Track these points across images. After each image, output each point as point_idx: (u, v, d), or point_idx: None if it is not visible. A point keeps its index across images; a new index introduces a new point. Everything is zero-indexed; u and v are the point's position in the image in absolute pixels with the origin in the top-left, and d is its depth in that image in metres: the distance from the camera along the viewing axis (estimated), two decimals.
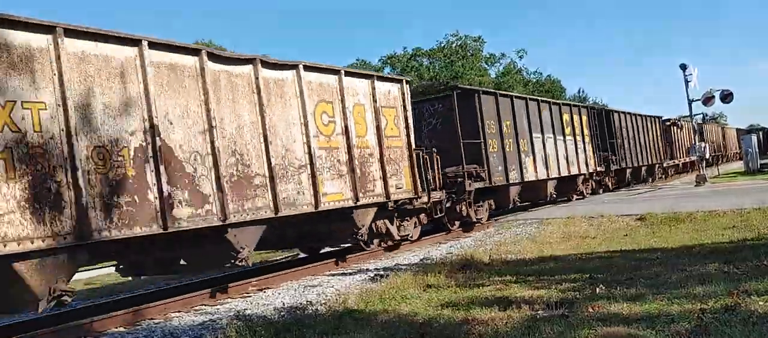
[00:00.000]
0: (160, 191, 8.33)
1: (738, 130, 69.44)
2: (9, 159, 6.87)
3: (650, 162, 32.48)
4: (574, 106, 25.08)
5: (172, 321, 8.50)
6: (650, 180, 32.71)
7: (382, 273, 10.65)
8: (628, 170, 29.32)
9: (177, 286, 12.21)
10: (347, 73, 12.21)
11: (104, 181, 7.78)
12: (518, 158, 19.08)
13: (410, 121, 13.74)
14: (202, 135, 9.11)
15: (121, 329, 8.34)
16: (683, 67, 27.23)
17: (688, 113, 28.89)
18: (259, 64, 10.23)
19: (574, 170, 23.21)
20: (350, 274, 11.22)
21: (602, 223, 15.06)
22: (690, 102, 27.67)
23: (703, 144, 29.33)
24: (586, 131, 24.78)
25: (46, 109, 7.31)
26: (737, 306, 5.78)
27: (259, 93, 10.16)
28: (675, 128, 38.40)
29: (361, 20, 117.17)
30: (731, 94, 27.98)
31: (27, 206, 6.97)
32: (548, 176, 20.97)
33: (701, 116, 37.24)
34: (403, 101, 13.58)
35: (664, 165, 35.54)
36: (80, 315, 9.50)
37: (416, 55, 55.85)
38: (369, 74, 13.06)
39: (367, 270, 11.53)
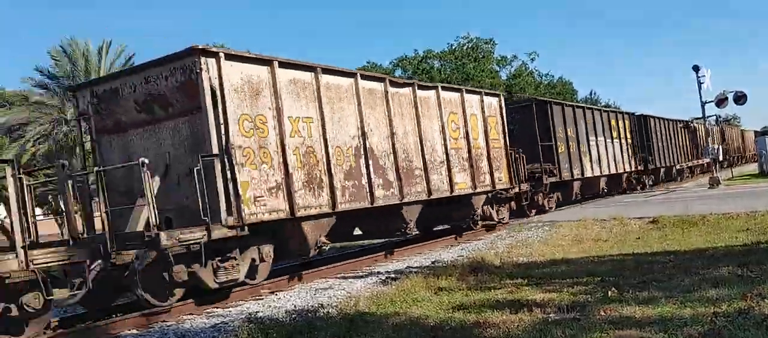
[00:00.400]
0: (368, 178, 12.18)
1: (756, 133, 69.03)
2: (298, 155, 10.76)
3: (680, 162, 35.90)
4: (619, 113, 28.74)
5: (184, 324, 8.54)
6: (679, 178, 36.19)
7: (393, 275, 10.66)
8: (662, 169, 32.83)
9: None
10: (467, 91, 16.25)
11: (340, 171, 11.59)
12: (579, 158, 23.05)
13: (506, 126, 17.47)
14: (387, 139, 12.94)
15: (135, 331, 8.39)
16: (696, 68, 27.06)
17: (701, 115, 28.73)
18: (416, 87, 14.12)
19: (620, 169, 27.17)
20: (361, 277, 11.23)
21: (614, 226, 14.99)
22: (703, 104, 27.51)
23: (715, 146, 29.13)
24: (628, 135, 28.42)
25: (313, 121, 11.20)
26: (751, 309, 5.75)
27: (416, 108, 13.91)
28: (688, 130, 38.37)
29: (371, 21, 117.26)
30: (745, 95, 27.80)
31: (307, 185, 10.86)
32: (601, 173, 25.05)
33: (714, 117, 37.06)
34: (501, 110, 17.42)
35: (690, 165, 38.48)
36: (93, 317, 9.56)
37: (427, 58, 55.82)
38: (478, 91, 17.27)
39: (378, 273, 11.54)
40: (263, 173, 10.13)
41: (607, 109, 28.41)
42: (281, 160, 10.43)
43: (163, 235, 8.52)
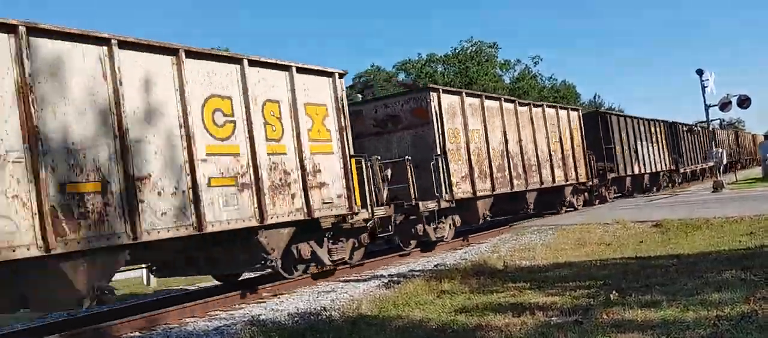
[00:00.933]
0: (509, 171, 17.61)
1: (766, 136, 69.14)
2: (474, 155, 16.18)
3: (702, 164, 39.88)
4: (657, 121, 32.33)
5: (186, 326, 8.55)
6: (701, 178, 39.78)
7: (396, 278, 10.65)
8: (689, 169, 37.11)
9: (189, 292, 12.29)
10: (560, 107, 21.95)
11: (495, 166, 16.85)
12: (630, 159, 27.48)
13: (583, 133, 23.06)
14: (516, 144, 18.23)
15: (137, 334, 8.40)
16: (699, 72, 27.03)
17: (705, 119, 28.70)
18: (532, 106, 19.88)
19: (658, 168, 31.69)
20: (364, 280, 11.23)
21: (617, 230, 14.97)
22: (707, 107, 27.46)
23: (719, 150, 29.10)
24: (663, 140, 32.72)
25: (479, 132, 16.56)
26: (754, 313, 5.73)
27: (531, 120, 19.41)
28: (690, 133, 38.81)
29: (375, 24, 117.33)
30: (749, 99, 27.74)
31: (480, 176, 16.29)
32: (644, 171, 29.46)
33: (718, 121, 37.08)
34: (579, 121, 23.02)
35: (708, 166, 41.10)
36: (96, 319, 9.59)
37: (431, 61, 55.87)
38: (565, 107, 22.65)
39: (381, 276, 11.54)
40: (459, 167, 15.51)
41: (647, 118, 31.27)
42: (467, 158, 15.80)
43: (420, 203, 13.99)
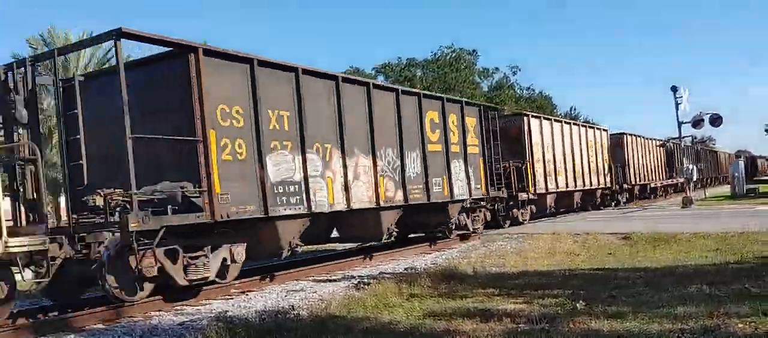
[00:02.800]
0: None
1: (737, 155, 70.42)
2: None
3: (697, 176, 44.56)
4: (658, 140, 38.85)
5: (152, 320, 8.44)
6: (663, 195, 42.78)
7: (366, 280, 10.63)
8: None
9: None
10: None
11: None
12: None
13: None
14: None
15: (101, 326, 8.27)
16: (674, 89, 27.44)
17: (677, 135, 29.15)
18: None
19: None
20: (334, 281, 11.19)
21: (587, 240, 15.11)
22: (680, 124, 27.89)
23: (691, 167, 29.57)
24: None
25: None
26: (717, 328, 5.81)
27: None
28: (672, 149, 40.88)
29: (355, 26, 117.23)
30: (721, 117, 28.26)
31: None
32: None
33: (690, 138, 37.66)
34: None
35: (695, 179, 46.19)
36: (60, 310, 9.42)
37: (410, 66, 55.93)
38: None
39: (352, 277, 11.51)
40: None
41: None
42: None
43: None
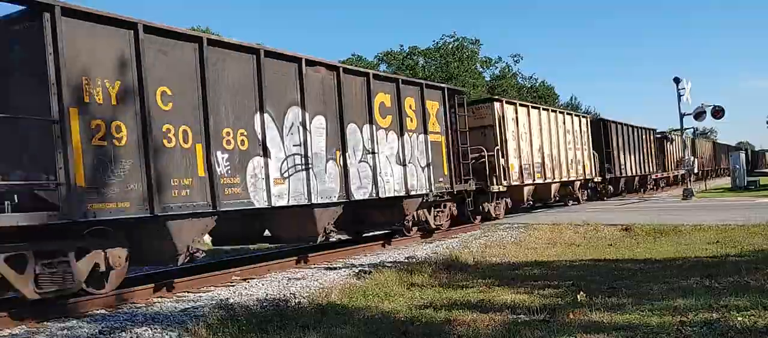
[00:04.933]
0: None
1: (736, 147, 70.34)
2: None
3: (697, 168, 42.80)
4: (645, 128, 34.98)
5: (154, 306, 8.48)
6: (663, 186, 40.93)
7: (367, 269, 10.66)
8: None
9: (159, 271, 12.17)
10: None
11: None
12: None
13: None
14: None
15: (103, 311, 8.31)
16: (677, 80, 27.37)
17: (679, 127, 29.11)
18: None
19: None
20: (335, 269, 11.22)
21: (588, 231, 15.14)
22: (681, 116, 27.83)
23: (691, 158, 29.57)
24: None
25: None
26: (717, 320, 5.83)
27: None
28: (666, 141, 39.40)
29: (357, 14, 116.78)
30: (723, 110, 28.17)
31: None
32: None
33: (692, 130, 37.64)
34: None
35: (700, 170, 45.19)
36: (62, 296, 9.44)
37: (412, 54, 55.82)
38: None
39: (353, 265, 11.54)
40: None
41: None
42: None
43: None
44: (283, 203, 10.48)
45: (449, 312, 6.85)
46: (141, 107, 8.32)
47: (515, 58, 61.33)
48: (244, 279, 10.56)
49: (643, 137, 34.34)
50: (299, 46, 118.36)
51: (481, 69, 58.45)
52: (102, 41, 8.02)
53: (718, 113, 28.14)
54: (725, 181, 46.14)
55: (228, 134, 9.60)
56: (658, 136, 38.47)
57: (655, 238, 13.32)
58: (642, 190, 34.12)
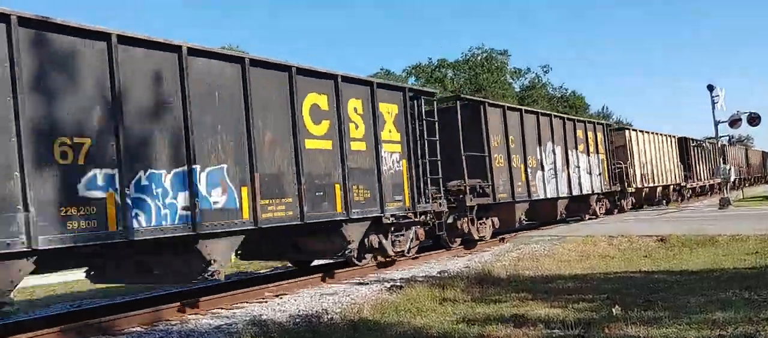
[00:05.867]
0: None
1: None
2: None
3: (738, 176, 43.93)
4: (669, 136, 33.32)
5: (188, 324, 8.58)
6: (709, 193, 40.53)
7: (398, 284, 10.65)
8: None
9: (191, 289, 12.32)
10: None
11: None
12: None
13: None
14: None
15: (139, 329, 8.44)
16: (710, 88, 26.90)
17: (714, 135, 28.62)
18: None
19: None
20: (367, 284, 11.23)
21: (622, 243, 14.92)
22: (716, 124, 27.36)
23: (727, 166, 29.01)
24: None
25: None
26: (757, 333, 5.71)
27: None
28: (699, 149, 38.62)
29: (384, 26, 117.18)
30: (759, 117, 27.62)
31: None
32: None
33: (727, 138, 37.01)
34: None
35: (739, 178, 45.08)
36: (98, 314, 9.62)
37: (441, 67, 55.87)
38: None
39: (384, 280, 11.54)
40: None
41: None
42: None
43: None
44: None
45: (483, 328, 6.80)
46: None
47: (545, 69, 61.02)
48: (277, 295, 10.63)
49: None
50: (330, 61, 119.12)
51: (510, 80, 58.28)
52: None
53: (754, 120, 27.60)
54: (763, 188, 45.10)
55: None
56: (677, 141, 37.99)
57: (691, 249, 13.08)
58: (665, 201, 32.15)
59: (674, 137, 33.68)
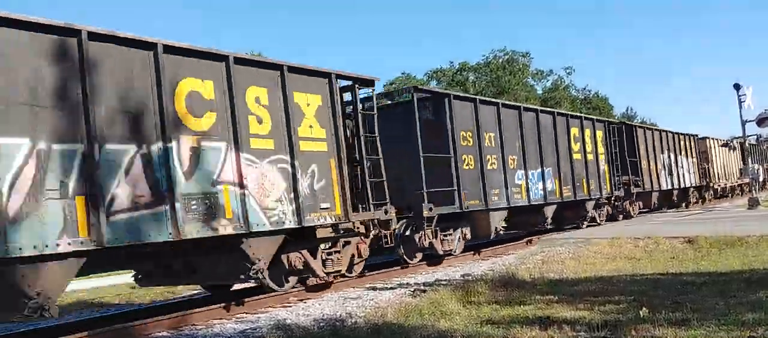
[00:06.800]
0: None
1: None
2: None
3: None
4: (687, 135, 31.26)
5: (213, 328, 8.64)
6: (731, 195, 39.04)
7: (422, 288, 10.63)
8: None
9: (215, 295, 12.43)
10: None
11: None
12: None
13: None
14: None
15: (165, 333, 8.52)
16: (737, 86, 26.53)
17: (741, 134, 28.21)
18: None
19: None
20: (390, 288, 11.22)
21: (648, 244, 14.74)
22: (743, 123, 26.95)
23: (756, 166, 28.57)
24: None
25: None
26: None
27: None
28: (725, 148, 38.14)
29: (406, 30, 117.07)
30: None
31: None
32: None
33: (755, 137, 36.45)
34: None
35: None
36: (127, 318, 9.74)
37: (462, 70, 55.74)
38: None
39: (408, 284, 11.53)
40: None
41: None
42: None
43: None
44: None
45: (508, 330, 6.75)
46: None
47: (567, 71, 60.57)
48: (301, 300, 10.66)
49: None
50: (354, 64, 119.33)
51: (532, 82, 57.96)
52: None
53: None
54: None
55: None
56: (720, 143, 37.26)
57: (720, 250, 12.87)
58: (683, 204, 30.65)
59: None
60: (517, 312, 7.80)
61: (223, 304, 9.83)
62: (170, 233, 8.06)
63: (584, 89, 63.41)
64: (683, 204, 30.60)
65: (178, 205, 8.12)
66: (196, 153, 8.58)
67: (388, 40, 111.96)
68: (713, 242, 13.81)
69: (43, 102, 7.10)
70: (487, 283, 9.95)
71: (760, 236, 13.96)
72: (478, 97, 16.15)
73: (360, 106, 11.51)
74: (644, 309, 7.17)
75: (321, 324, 8.18)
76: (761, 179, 30.28)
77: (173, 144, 8.25)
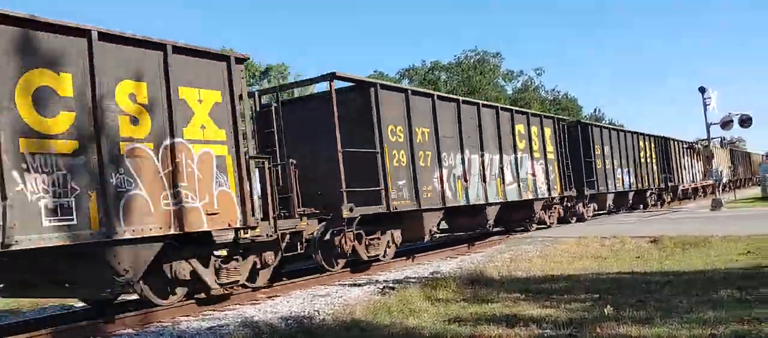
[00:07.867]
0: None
1: (766, 155, 69.39)
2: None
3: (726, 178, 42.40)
4: (648, 135, 31.05)
5: (180, 325, 8.53)
6: (693, 197, 39.13)
7: (391, 285, 10.63)
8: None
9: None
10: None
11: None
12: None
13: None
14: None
15: (130, 331, 8.39)
16: (702, 90, 27.05)
17: (706, 137, 28.75)
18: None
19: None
20: (359, 285, 11.21)
21: (614, 244, 14.94)
22: (708, 126, 27.48)
23: (720, 168, 29.17)
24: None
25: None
26: (748, 333, 5.72)
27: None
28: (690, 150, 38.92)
29: (377, 29, 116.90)
30: (750, 118, 27.80)
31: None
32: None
33: (719, 139, 37.22)
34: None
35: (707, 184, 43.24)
36: (89, 316, 9.57)
37: (434, 69, 55.94)
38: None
39: (377, 281, 11.52)
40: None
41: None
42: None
43: None
44: None
45: (475, 328, 6.79)
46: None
47: (538, 72, 61.18)
48: (269, 297, 10.59)
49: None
50: (320, 63, 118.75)
51: (503, 83, 58.42)
52: None
53: (745, 121, 27.76)
54: (755, 191, 45.33)
55: None
56: (685, 145, 37.85)
57: (683, 250, 13.10)
58: (641, 206, 30.26)
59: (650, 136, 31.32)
60: (485, 310, 7.85)
61: (187, 302, 9.71)
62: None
63: (553, 90, 64.10)
64: (641, 206, 30.30)
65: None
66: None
67: (388, 40, 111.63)
68: (677, 242, 14.06)
69: None
70: (455, 281, 9.99)
71: (722, 236, 14.25)
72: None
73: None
74: (609, 307, 7.27)
75: (289, 322, 8.13)
76: (724, 181, 30.91)
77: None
